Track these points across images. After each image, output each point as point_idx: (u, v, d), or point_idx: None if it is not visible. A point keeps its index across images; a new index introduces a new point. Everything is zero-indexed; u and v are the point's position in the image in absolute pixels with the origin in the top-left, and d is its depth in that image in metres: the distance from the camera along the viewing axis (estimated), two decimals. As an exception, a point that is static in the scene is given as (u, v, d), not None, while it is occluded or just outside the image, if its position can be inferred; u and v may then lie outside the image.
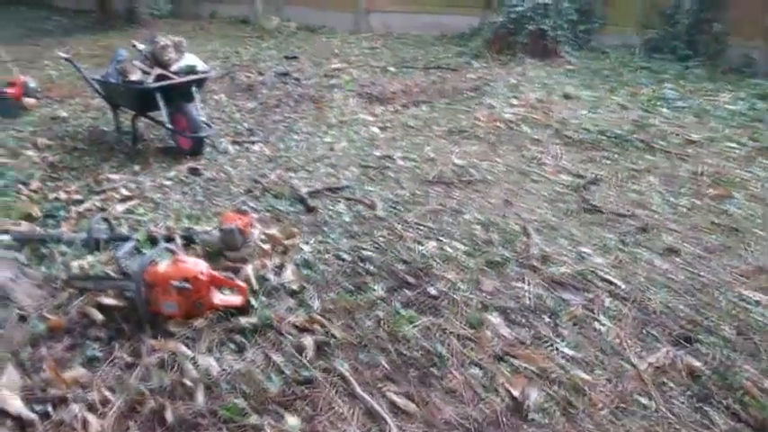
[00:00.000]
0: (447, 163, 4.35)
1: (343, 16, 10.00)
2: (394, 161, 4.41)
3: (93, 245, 3.04)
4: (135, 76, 4.35)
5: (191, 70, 4.51)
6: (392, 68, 7.14)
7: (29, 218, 3.51)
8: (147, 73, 4.37)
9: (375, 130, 5.11)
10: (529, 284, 2.83)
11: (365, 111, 5.61)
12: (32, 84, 5.66)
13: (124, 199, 3.78)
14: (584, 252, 3.15)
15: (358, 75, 6.90)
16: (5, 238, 3.15)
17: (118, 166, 4.34)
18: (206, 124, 4.57)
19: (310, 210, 3.61)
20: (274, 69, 7.29)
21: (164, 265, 2.54)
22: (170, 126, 4.45)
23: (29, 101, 5.64)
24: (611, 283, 2.86)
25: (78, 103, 5.93)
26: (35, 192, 3.90)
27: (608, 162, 4.40)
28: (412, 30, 9.40)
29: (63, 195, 3.81)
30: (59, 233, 3.21)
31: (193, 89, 4.54)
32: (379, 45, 8.68)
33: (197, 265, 2.57)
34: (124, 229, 3.36)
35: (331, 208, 3.63)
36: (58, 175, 4.16)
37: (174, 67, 4.43)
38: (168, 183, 4.03)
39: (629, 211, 3.63)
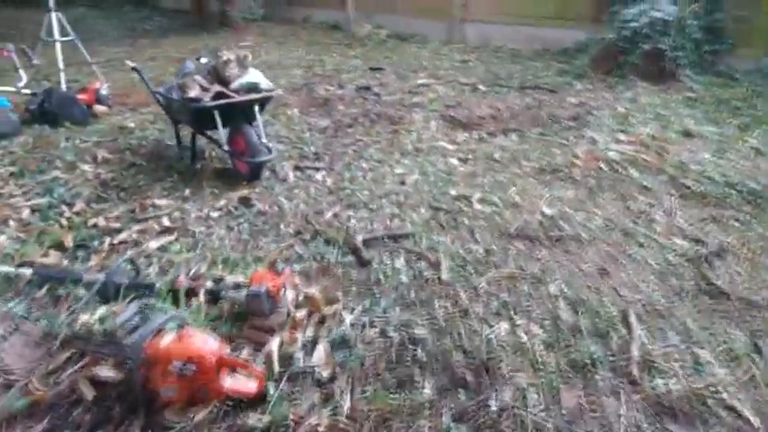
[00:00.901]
0: (534, 211, 3.71)
1: (436, 25, 9.48)
2: (471, 204, 3.82)
3: (110, 292, 2.71)
4: (193, 93, 4.05)
5: (252, 88, 4.16)
6: (483, 87, 6.52)
7: (60, 247, 3.27)
8: (206, 89, 4.05)
9: (454, 161, 4.54)
10: (624, 404, 2.17)
11: (446, 137, 5.04)
12: (104, 91, 5.58)
13: (163, 231, 3.46)
14: (703, 358, 2.43)
15: (444, 92, 6.34)
16: (27, 272, 2.89)
17: (169, 189, 4.05)
18: (266, 148, 4.19)
19: (364, 263, 3.12)
20: (356, 82, 6.89)
21: (168, 339, 2.14)
22: (227, 148, 4.12)
23: (100, 108, 5.56)
24: (738, 414, 2.15)
25: (150, 113, 5.79)
26: (77, 214, 3.68)
27: (738, 226, 3.58)
28: (510, 42, 8.72)
29: (102, 222, 3.55)
30: (81, 272, 2.91)
31: (255, 108, 4.18)
32: (472, 58, 8.06)
33: (206, 343, 2.15)
34: (154, 269, 3.02)
35: (387, 263, 3.11)
36: (106, 196, 3.93)
37: (235, 84, 4.08)
38: (215, 214, 3.68)
39: (765, 300, 2.84)
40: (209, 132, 4.35)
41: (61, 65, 6.33)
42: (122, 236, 3.39)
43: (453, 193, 3.99)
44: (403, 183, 4.17)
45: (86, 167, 4.41)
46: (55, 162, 4.49)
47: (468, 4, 9.14)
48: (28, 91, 5.39)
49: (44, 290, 2.82)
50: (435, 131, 5.19)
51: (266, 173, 4.29)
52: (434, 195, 3.96)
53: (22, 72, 5.65)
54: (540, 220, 3.60)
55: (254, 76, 4.19)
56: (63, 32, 6.55)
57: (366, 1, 10.45)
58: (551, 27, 8.36)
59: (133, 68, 4.66)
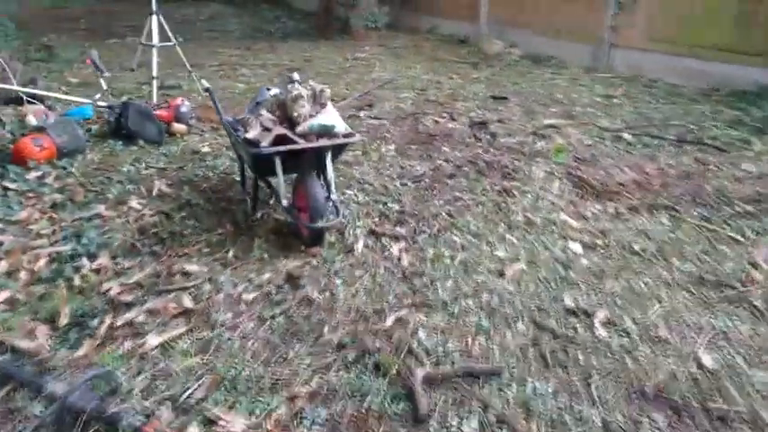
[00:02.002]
0: (686, 355, 2.55)
1: (579, 48, 8.18)
2: (592, 327, 2.73)
3: (64, 422, 2.01)
4: (252, 133, 3.31)
5: (324, 132, 3.34)
6: (628, 135, 5.25)
7: (53, 323, 2.66)
8: (268, 130, 3.30)
9: (576, 247, 3.44)
10: None
11: (570, 207, 3.93)
12: (185, 108, 5.07)
13: (179, 314, 2.74)
14: None
15: (577, 139, 5.17)
16: (-13, 364, 2.29)
17: (212, 246, 3.35)
18: (334, 208, 3.37)
19: (418, 419, 2.18)
20: (472, 114, 5.90)
21: None
22: (285, 203, 3.34)
23: (178, 127, 5.06)
24: None
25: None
26: (96, 272, 3.07)
27: None
28: (668, 76, 7.24)
29: (116, 290, 2.90)
30: (46, 379, 2.25)
31: (327, 157, 3.37)
32: (618, 93, 6.73)
33: None
34: (141, 383, 2.29)
35: (452, 423, 2.15)
36: (138, 249, 3.31)
37: (304, 127, 3.29)
38: (251, 296, 2.90)
39: None
40: (271, 179, 3.62)
41: (155, 72, 5.97)
42: (129, 315, 2.72)
43: (568, 302, 2.91)
44: (502, 274, 3.15)
45: (135, 203, 3.85)
46: (107, 192, 3.98)
47: (620, 27, 7.77)
48: (104, 103, 5.02)
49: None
50: (557, 196, 4.08)
51: (331, 236, 3.47)
52: (541, 302, 2.92)
53: (102, 82, 5.31)
54: (695, 376, 2.44)
55: (328, 117, 3.37)
56: (164, 37, 6.20)
57: (501, 14, 9.37)
58: (724, 61, 6.79)
59: (206, 90, 4.03)
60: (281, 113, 3.43)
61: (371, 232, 3.57)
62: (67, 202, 3.83)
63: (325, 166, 3.39)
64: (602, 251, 3.41)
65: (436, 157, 4.76)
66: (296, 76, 4.16)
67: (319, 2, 11.12)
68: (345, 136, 3.44)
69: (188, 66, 6.54)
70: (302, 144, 3.24)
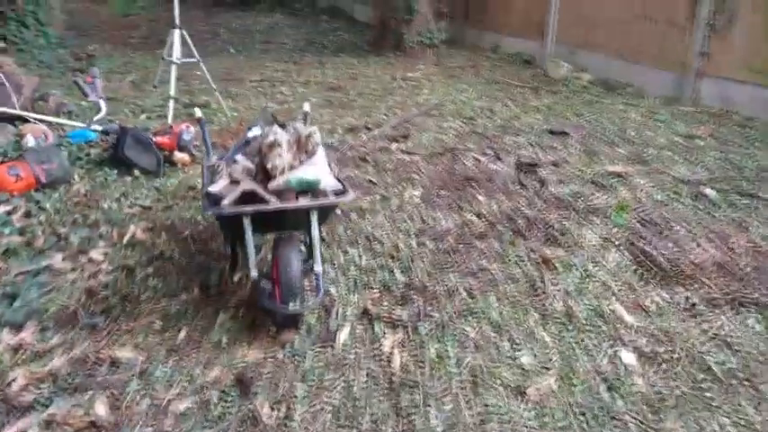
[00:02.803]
0: None
1: (658, 75, 7.15)
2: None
3: None
4: (218, 185, 2.68)
5: (306, 189, 2.66)
6: (711, 191, 4.28)
7: None
8: (237, 182, 2.65)
9: (630, 358, 2.58)
10: None
11: (626, 293, 3.06)
12: (187, 135, 4.52)
13: (81, 430, 2.13)
14: None
15: (645, 194, 4.25)
16: None
17: (163, 322, 2.75)
18: (316, 283, 2.69)
19: None
20: (522, 152, 5.08)
21: None
22: (254, 274, 2.67)
23: (180, 156, 4.53)
24: None
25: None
26: (14, 350, 2.52)
27: None
28: (767, 114, 6.12)
29: (19, 382, 2.32)
30: None
31: (312, 218, 2.68)
32: (702, 134, 5.70)
33: None
34: None
35: None
36: (77, 319, 2.74)
37: (279, 182, 2.62)
38: (182, 406, 2.25)
39: None
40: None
41: (173, 91, 5.50)
42: (20, 425, 2.13)
43: (612, 454, 2.10)
44: (522, 393, 2.36)
45: (98, 253, 3.30)
46: (72, 236, 3.46)
47: (712, 52, 6.70)
48: (98, 128, 4.55)
49: None
50: (611, 275, 3.22)
51: (313, 315, 2.78)
52: (571, 449, 2.11)
53: (102, 103, 4.86)
54: None
55: (313, 170, 2.68)
56: (187, 52, 5.75)
57: (571, 33, 8.44)
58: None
59: (198, 120, 3.47)
60: (260, 161, 2.79)
61: (365, 313, 2.86)
62: (24, 247, 3.33)
63: (310, 229, 2.71)
64: (664, 366, 2.55)
65: (468, 209, 3.98)
66: (306, 107, 3.57)
67: (374, 15, 10.54)
68: (336, 194, 2.76)
69: (212, 84, 6.06)
70: (272, 205, 2.57)
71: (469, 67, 8.83)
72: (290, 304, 2.56)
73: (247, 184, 2.60)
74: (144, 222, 3.69)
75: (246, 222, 2.58)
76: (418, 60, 9.09)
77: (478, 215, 3.90)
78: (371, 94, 7.17)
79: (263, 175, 2.67)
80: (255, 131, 3.01)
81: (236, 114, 6.15)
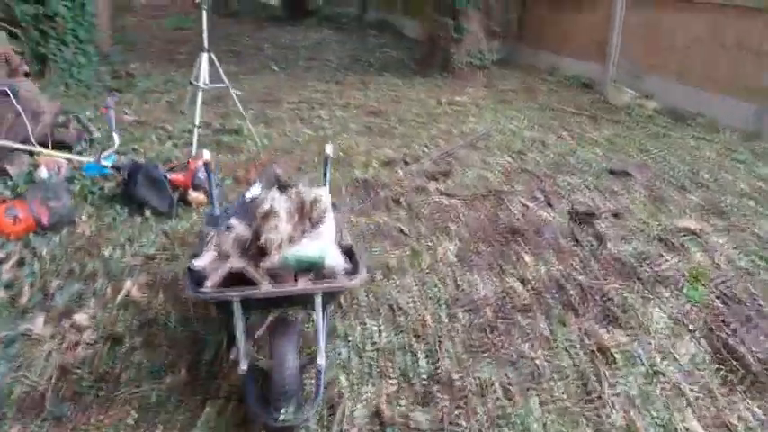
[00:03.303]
0: None
1: (736, 105, 6.38)
2: None
3: None
4: (203, 259, 2.25)
5: (307, 268, 2.20)
6: (807, 256, 3.61)
7: None
8: (226, 256, 2.22)
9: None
10: None
11: (705, 403, 2.46)
12: (203, 173, 4.14)
13: None
14: None
15: (725, 261, 3.58)
16: None
17: (139, 414, 2.34)
18: (317, 380, 2.22)
19: None
20: (576, 197, 4.49)
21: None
22: (243, 368, 2.21)
23: (195, 196, 4.16)
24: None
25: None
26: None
27: None
28: None
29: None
30: None
31: (317, 302, 2.21)
32: (791, 177, 4.97)
33: None
34: None
35: None
36: (42, 406, 2.36)
37: (273, 260, 2.17)
38: None
39: None
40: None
41: (197, 119, 5.17)
42: None
43: None
44: None
45: (83, 316, 2.94)
46: (62, 292, 3.12)
47: (800, 80, 5.92)
48: (108, 163, 4.24)
49: None
50: (685, 375, 2.61)
51: (315, 417, 2.31)
52: None
53: (115, 136, 4.55)
54: None
55: (316, 245, 2.22)
56: (214, 77, 5.42)
57: (636, 54, 7.73)
58: None
59: (205, 164, 3.10)
60: (255, 231, 2.35)
61: (376, 415, 2.37)
62: (7, 305, 3.00)
63: (318, 310, 2.24)
64: None
65: (510, 271, 3.44)
66: (328, 150, 3.17)
67: (423, 31, 10.07)
68: (347, 271, 2.28)
69: (242, 110, 5.72)
70: (264, 289, 2.11)
71: (523, 90, 8.23)
72: (281, 412, 2.10)
73: (236, 262, 2.16)
74: (144, 276, 3.32)
75: (237, 306, 2.14)
76: (467, 83, 8.56)
77: (523, 280, 3.35)
78: (414, 121, 6.70)
79: (258, 248, 2.23)
80: (255, 190, 2.58)
81: (267, 143, 5.79)
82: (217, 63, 5.35)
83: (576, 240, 3.83)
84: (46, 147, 4.74)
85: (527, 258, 3.59)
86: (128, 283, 3.22)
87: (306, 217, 2.28)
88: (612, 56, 8.07)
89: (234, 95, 5.57)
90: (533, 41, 9.93)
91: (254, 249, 2.22)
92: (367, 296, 3.20)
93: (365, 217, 4.14)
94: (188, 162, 4.33)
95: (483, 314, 3.04)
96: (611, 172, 5.05)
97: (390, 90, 8.25)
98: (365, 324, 2.96)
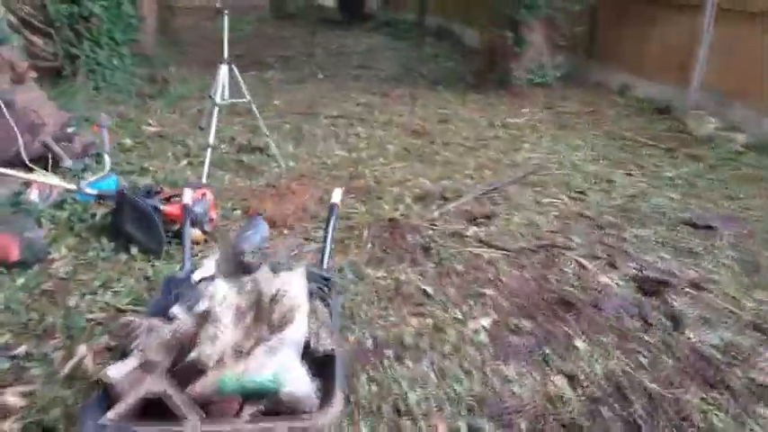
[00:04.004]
0: None
1: None
2: None
3: None
4: (122, 366, 1.65)
5: (254, 396, 1.57)
6: None
7: None
8: (152, 366, 1.61)
9: None
10: None
11: None
12: (200, 207, 3.56)
13: None
14: None
15: None
16: None
17: None
18: None
19: None
20: (647, 258, 3.69)
21: None
22: None
23: (191, 233, 3.60)
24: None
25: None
26: None
27: None
28: None
29: None
30: None
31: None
32: None
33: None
34: None
35: None
36: None
37: (205, 384, 1.55)
38: None
39: None
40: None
41: (211, 138, 4.65)
42: None
43: None
44: None
45: (15, 396, 2.40)
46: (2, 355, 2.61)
47: None
48: (92, 192, 3.74)
49: None
50: None
51: None
52: None
53: (106, 159, 4.06)
54: None
55: (272, 363, 1.58)
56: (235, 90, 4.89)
57: (722, 77, 6.75)
58: None
59: (183, 207, 2.55)
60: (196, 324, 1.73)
61: None
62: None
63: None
64: None
65: (556, 364, 2.71)
66: (336, 196, 2.60)
67: (482, 41, 9.34)
68: (319, 402, 1.63)
69: (265, 131, 5.16)
70: (189, 427, 1.49)
71: (587, 113, 7.37)
72: None
73: (155, 383, 1.55)
74: (104, 339, 2.78)
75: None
76: (525, 102, 7.75)
77: (571, 378, 2.62)
78: (461, 145, 5.99)
79: (189, 366, 1.61)
80: (207, 268, 1.97)
81: (292, 164, 5.22)
82: (238, 75, 4.81)
83: (645, 320, 3.06)
84: (45, 163, 4.33)
85: (580, 345, 2.84)
86: (82, 348, 2.68)
87: (264, 318, 1.66)
88: (695, 78, 7.11)
89: (257, 112, 5.03)
90: (602, 57, 9.00)
91: (187, 365, 1.61)
92: (369, 384, 2.55)
93: (384, 269, 3.48)
94: (170, 195, 3.78)
95: (516, 428, 2.34)
96: (691, 224, 4.20)
97: (439, 107, 7.56)
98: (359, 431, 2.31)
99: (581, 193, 4.79)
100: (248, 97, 4.88)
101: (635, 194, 4.78)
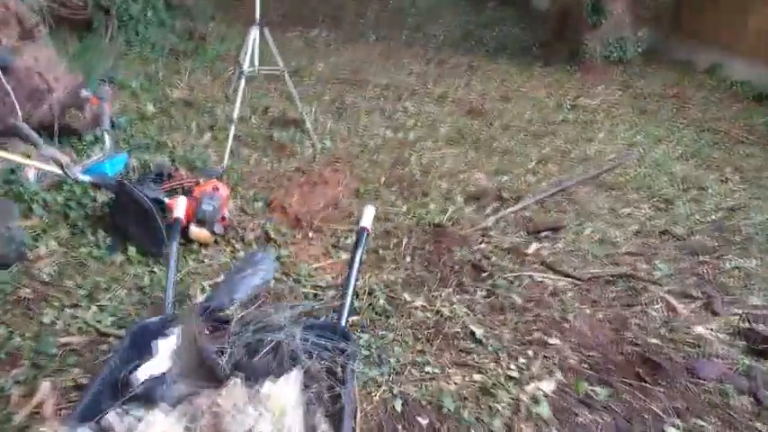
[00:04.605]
0: None
1: None
2: None
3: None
4: None
5: None
6: None
7: None
8: None
9: None
10: None
11: None
12: (209, 204, 2.98)
13: None
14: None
15: None
16: None
17: None
18: None
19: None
20: (749, 304, 2.95)
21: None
22: None
23: (197, 232, 3.04)
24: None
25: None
26: None
27: None
28: None
29: None
30: None
31: None
32: None
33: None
34: None
35: None
36: None
37: None
38: None
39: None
40: None
41: (236, 114, 4.07)
42: None
43: None
44: None
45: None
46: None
47: None
48: (87, 179, 3.20)
49: None
50: None
51: None
52: None
53: (107, 137, 3.52)
54: None
55: None
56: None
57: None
58: None
59: (175, 220, 1.99)
60: None
61: None
62: None
63: None
64: None
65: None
66: (367, 217, 2.01)
67: (553, 7, 8.36)
68: None
69: (299, 105, 4.54)
70: None
71: (670, 97, 6.43)
72: None
73: None
74: (76, 371, 2.28)
75: None
76: (599, 80, 6.84)
77: (663, 485, 1.99)
78: (523, 130, 5.24)
79: None
80: (159, 360, 1.40)
81: (328, 145, 4.61)
82: (270, 40, 4.18)
83: (756, 399, 2.37)
84: (51, 133, 3.85)
85: (669, 430, 2.19)
86: (46, 386, 2.18)
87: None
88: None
89: (290, 83, 4.40)
90: (690, 32, 7.92)
91: None
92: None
93: (424, 297, 2.87)
94: (198, 182, 3.22)
95: None
96: (807, 254, 3.43)
97: (501, 81, 6.76)
98: None
99: (667, 201, 4.03)
100: (281, 65, 4.25)
101: (733, 207, 3.99)
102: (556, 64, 7.36)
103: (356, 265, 2.03)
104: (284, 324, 1.56)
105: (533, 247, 3.36)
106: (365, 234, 2.11)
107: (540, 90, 6.49)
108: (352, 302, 1.94)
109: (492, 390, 2.33)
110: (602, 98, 6.28)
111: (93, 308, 2.63)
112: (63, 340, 2.43)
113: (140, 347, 1.67)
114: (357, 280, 2.04)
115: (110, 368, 1.60)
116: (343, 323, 1.86)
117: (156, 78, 5.70)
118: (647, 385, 2.39)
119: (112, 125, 4.19)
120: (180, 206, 2.16)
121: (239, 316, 1.60)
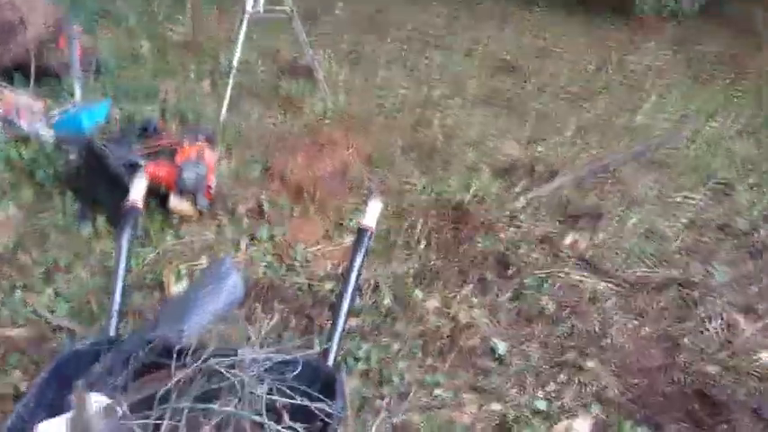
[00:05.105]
0: None
1: None
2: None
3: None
4: None
5: None
6: None
7: None
8: None
9: None
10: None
11: None
12: (192, 173, 2.53)
13: None
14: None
15: None
16: None
17: None
18: None
19: None
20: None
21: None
22: None
23: (178, 204, 2.62)
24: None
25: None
26: None
27: None
28: None
29: None
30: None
31: None
32: None
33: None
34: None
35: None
36: None
37: None
38: None
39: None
40: None
41: (236, 61, 3.59)
42: None
43: None
44: None
45: None
46: None
47: None
48: (50, 134, 2.77)
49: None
50: None
51: None
52: None
53: (76, 85, 3.06)
54: None
55: None
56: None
57: None
58: None
59: (131, 207, 1.56)
60: None
61: None
62: None
63: None
64: None
65: None
66: (370, 215, 1.53)
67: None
68: None
69: (309, 52, 4.03)
70: None
71: (728, 57, 5.77)
72: None
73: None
74: (18, 373, 1.92)
75: None
76: (648, 35, 6.13)
77: None
78: (560, 92, 4.69)
79: None
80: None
81: (342, 100, 4.11)
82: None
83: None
84: (27, 74, 3.41)
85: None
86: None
87: None
88: None
89: (299, 27, 3.88)
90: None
91: None
92: None
93: (439, 295, 2.44)
94: (183, 145, 2.77)
95: None
96: None
97: (537, 32, 6.11)
98: None
99: (727, 185, 3.51)
100: (290, 6, 3.73)
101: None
102: (599, 16, 6.65)
103: (354, 275, 1.61)
104: (245, 380, 1.16)
105: (569, 237, 2.90)
106: (367, 235, 1.68)
107: (581, 46, 5.85)
108: (343, 329, 1.53)
109: (513, 425, 1.93)
110: (652, 58, 5.61)
111: (49, 291, 2.25)
112: (6, 333, 2.07)
113: (62, 383, 1.29)
114: (354, 300, 1.62)
115: (17, 415, 1.21)
116: (330, 361, 1.44)
117: (155, 14, 5.18)
118: (703, 430, 1.98)
119: (97, 68, 3.74)
120: (138, 188, 1.74)
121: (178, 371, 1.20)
